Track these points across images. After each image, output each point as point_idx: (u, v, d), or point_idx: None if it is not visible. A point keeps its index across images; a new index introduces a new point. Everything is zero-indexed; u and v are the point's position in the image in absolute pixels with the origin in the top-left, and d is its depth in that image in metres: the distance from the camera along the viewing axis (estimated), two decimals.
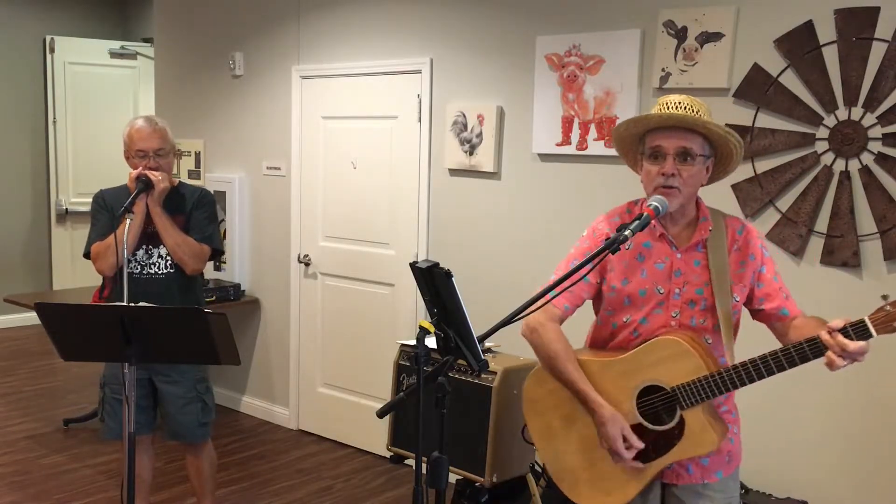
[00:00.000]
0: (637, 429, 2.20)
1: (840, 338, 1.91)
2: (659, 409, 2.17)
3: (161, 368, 3.33)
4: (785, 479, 3.27)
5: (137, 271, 3.31)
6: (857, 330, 1.90)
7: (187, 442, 3.48)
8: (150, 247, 3.32)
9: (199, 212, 3.40)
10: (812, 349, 1.97)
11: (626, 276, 2.25)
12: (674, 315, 2.20)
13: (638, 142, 2.25)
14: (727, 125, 2.56)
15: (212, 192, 3.57)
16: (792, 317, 2.22)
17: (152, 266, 3.32)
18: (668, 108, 2.16)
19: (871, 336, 1.89)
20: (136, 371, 2.59)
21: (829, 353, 1.93)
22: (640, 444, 2.17)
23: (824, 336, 1.94)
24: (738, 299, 2.19)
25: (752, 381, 2.06)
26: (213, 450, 3.58)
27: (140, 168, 3.25)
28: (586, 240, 2.33)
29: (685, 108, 2.14)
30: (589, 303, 2.38)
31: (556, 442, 2.35)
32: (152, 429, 3.50)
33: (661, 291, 2.21)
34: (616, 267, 2.27)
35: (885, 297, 1.88)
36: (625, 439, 2.17)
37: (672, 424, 2.14)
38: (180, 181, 3.53)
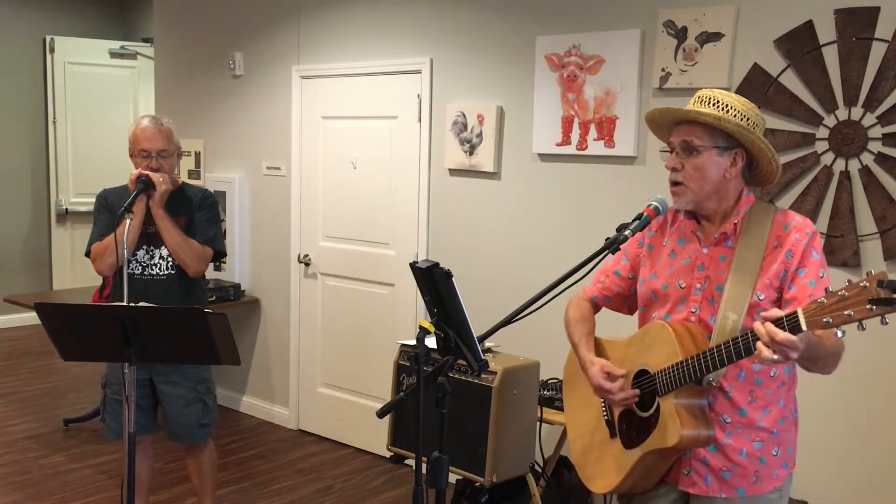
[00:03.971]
0: (628, 413, 2.21)
1: (770, 326, 1.79)
2: (649, 393, 2.15)
3: (161, 369, 3.32)
4: None
5: (139, 272, 3.30)
6: (790, 320, 1.78)
7: (188, 443, 3.48)
8: (152, 247, 3.31)
9: (201, 213, 3.39)
10: (755, 340, 1.85)
11: (655, 272, 2.24)
12: (693, 311, 2.14)
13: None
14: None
15: (213, 194, 3.56)
16: None
17: (154, 267, 3.31)
18: (692, 105, 2.13)
19: (801, 330, 1.76)
20: (136, 371, 2.59)
21: (759, 342, 1.81)
22: (621, 372, 2.17)
23: (757, 325, 1.83)
24: (762, 298, 2.04)
25: (706, 371, 1.99)
26: (214, 450, 3.58)
27: (139, 169, 3.24)
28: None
29: (703, 101, 2.10)
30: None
31: (576, 419, 2.40)
32: (152, 430, 3.49)
33: (682, 286, 2.16)
34: (648, 262, 2.27)
35: (826, 290, 1.74)
36: (608, 374, 2.19)
37: (651, 411, 2.13)
38: (183, 182, 3.52)
